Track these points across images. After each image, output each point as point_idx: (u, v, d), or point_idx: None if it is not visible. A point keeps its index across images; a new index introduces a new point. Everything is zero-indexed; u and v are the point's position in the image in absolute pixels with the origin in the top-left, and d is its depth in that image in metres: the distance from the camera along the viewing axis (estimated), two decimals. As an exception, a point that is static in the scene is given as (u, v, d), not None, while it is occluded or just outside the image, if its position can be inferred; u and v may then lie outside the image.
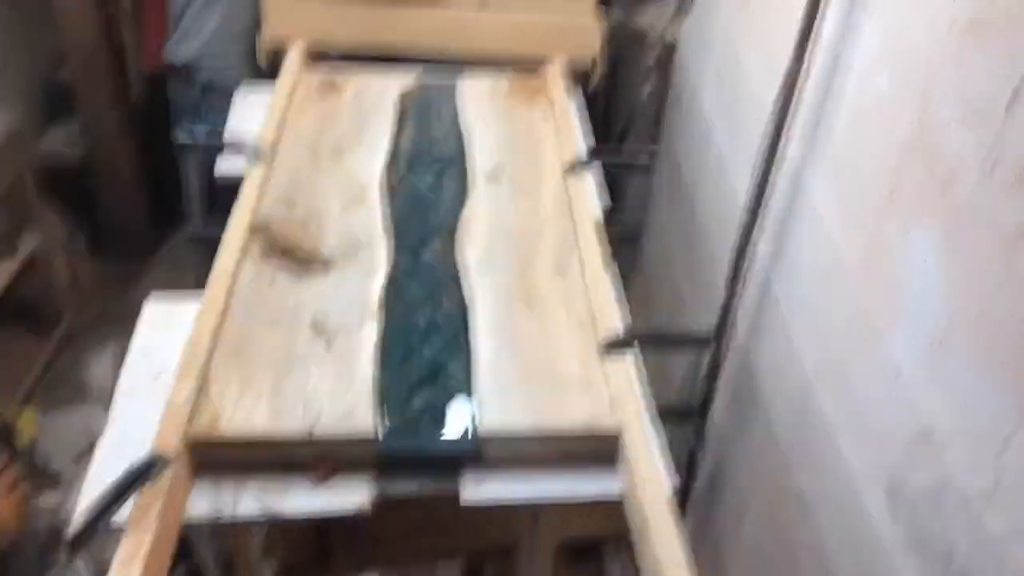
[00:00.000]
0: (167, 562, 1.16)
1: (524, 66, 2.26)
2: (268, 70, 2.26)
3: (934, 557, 1.04)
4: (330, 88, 2.14)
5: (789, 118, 1.43)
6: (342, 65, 2.24)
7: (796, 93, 1.40)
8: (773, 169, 1.48)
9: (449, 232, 1.72)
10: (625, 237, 2.18)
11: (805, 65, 1.38)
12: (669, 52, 2.50)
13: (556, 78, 2.19)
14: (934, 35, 1.09)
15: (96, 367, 3.14)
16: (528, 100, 2.16)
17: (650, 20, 2.53)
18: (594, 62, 2.18)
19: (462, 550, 2.05)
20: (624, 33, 2.58)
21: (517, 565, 1.88)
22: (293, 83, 2.11)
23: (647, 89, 2.58)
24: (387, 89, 2.16)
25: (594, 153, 1.99)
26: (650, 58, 2.53)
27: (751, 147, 1.55)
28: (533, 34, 2.24)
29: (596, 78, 2.21)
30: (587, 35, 2.25)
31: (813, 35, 1.36)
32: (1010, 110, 0.93)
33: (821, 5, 1.32)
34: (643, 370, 1.45)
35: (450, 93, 2.18)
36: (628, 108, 2.70)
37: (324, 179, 1.84)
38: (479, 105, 2.13)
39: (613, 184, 2.83)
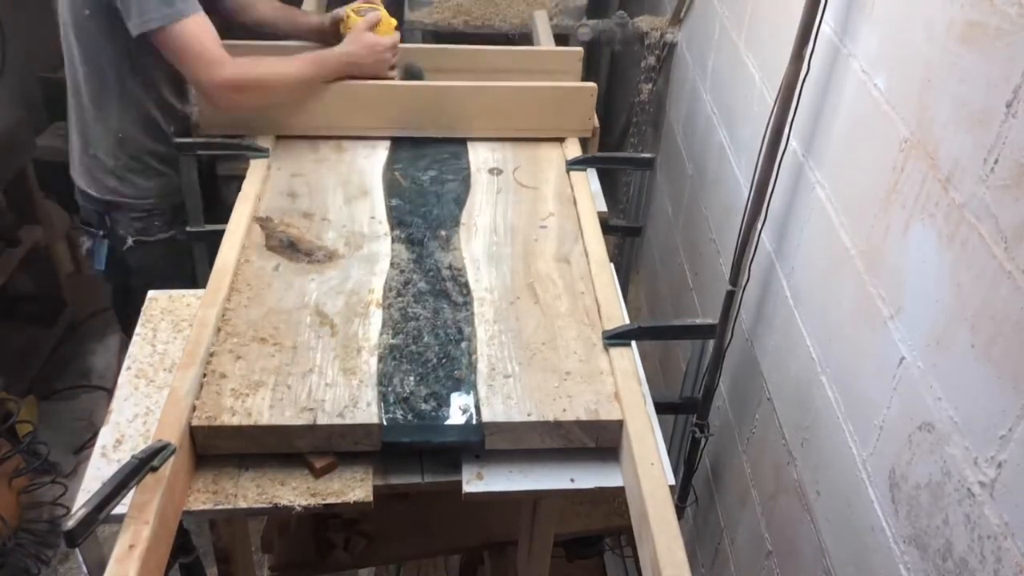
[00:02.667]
0: (166, 554, 1.16)
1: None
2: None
3: (934, 550, 1.05)
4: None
5: (789, 116, 1.44)
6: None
7: (796, 92, 1.41)
8: (775, 165, 1.49)
9: (452, 223, 1.72)
10: (628, 230, 2.17)
11: (805, 65, 1.39)
12: (670, 51, 2.51)
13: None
14: (932, 36, 1.10)
15: (98, 358, 3.14)
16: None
17: (650, 20, 2.54)
18: (593, 131, 2.03)
19: (460, 546, 2.05)
20: (624, 33, 2.58)
21: (515, 560, 1.88)
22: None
23: (648, 88, 2.58)
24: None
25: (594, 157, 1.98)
26: (651, 57, 2.54)
27: (753, 143, 1.55)
28: (526, 117, 2.00)
29: (595, 140, 2.07)
30: (584, 108, 2.00)
31: (812, 35, 1.36)
32: (1010, 109, 0.93)
33: (820, 6, 1.33)
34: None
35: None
36: (628, 107, 2.71)
37: (327, 172, 1.85)
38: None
39: (616, 178, 2.85)
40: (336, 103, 1.91)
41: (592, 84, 1.98)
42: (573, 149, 1.97)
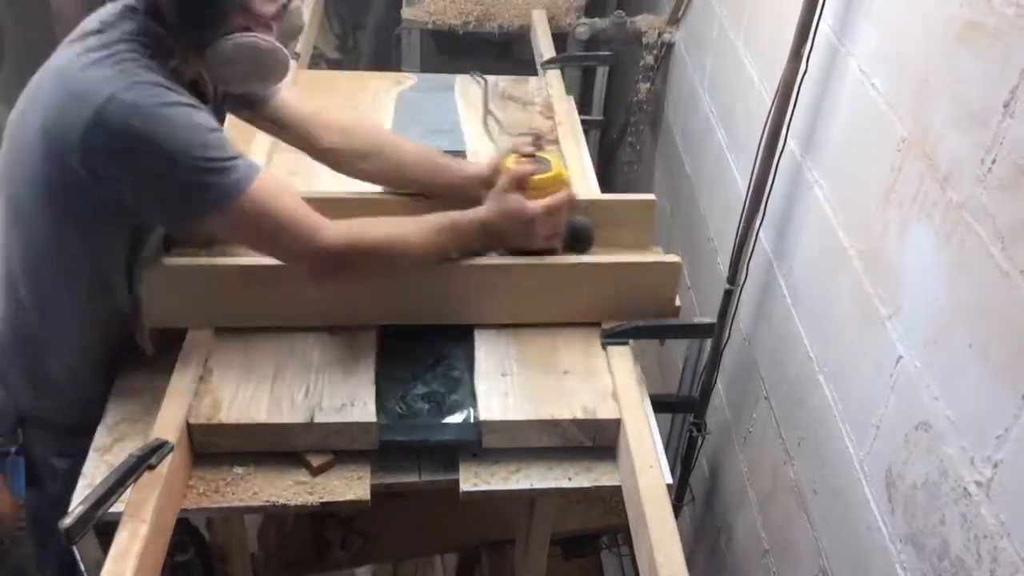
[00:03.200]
0: (163, 552, 1.16)
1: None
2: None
3: (930, 549, 1.05)
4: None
5: (788, 116, 1.44)
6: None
7: (794, 92, 1.41)
8: (773, 164, 1.49)
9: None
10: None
11: (803, 64, 1.39)
12: (668, 51, 2.51)
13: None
14: (930, 36, 1.10)
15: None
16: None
17: (649, 19, 2.54)
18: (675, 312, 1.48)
19: (457, 544, 2.05)
20: (623, 32, 2.59)
21: (513, 559, 1.88)
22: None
23: (646, 87, 2.58)
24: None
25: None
26: (649, 57, 2.54)
27: (751, 143, 1.56)
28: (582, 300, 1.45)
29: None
30: (664, 286, 1.45)
31: (811, 35, 1.36)
32: (1008, 110, 0.93)
33: (819, 5, 1.33)
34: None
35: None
36: (627, 106, 2.71)
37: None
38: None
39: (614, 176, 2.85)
40: (292, 284, 1.36)
41: (677, 259, 1.43)
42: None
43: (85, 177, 1.17)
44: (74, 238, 1.25)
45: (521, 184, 1.38)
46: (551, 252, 1.42)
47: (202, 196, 1.18)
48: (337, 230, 1.26)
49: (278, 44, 1.23)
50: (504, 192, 1.37)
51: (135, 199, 1.20)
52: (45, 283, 1.28)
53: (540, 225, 1.38)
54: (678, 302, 1.46)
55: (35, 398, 1.37)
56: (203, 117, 1.19)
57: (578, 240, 1.46)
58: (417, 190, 1.51)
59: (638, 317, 1.44)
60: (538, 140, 1.50)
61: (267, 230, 1.23)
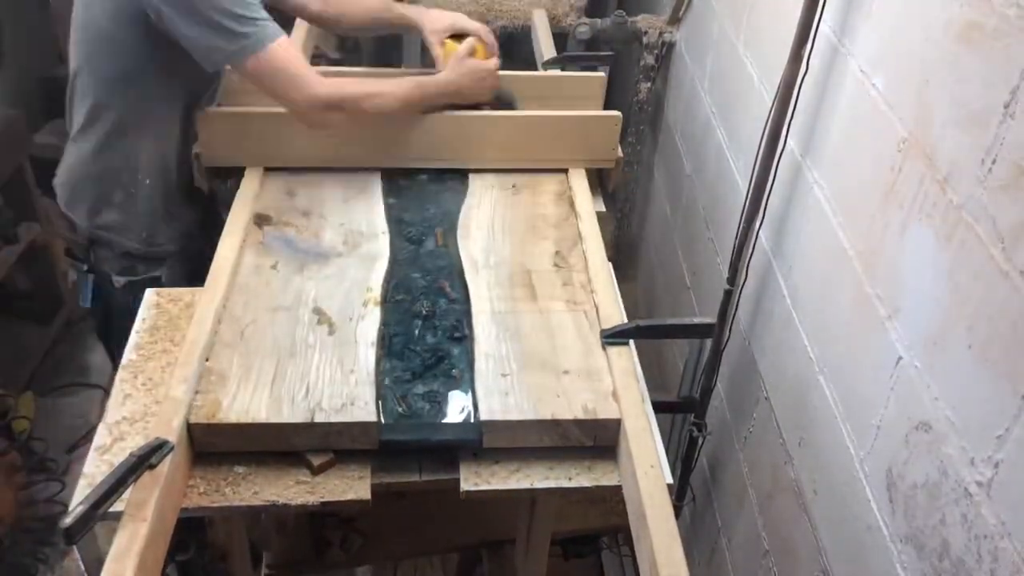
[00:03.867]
0: (164, 552, 1.16)
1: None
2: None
3: (930, 550, 1.05)
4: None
5: (788, 116, 1.44)
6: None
7: (794, 92, 1.41)
8: (773, 164, 1.49)
9: (451, 221, 1.72)
10: (627, 228, 2.15)
11: (803, 64, 1.39)
12: (668, 51, 2.51)
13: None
14: (931, 36, 1.10)
15: (95, 355, 3.14)
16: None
17: (649, 19, 2.54)
18: (617, 162, 1.90)
19: (457, 544, 2.05)
20: (623, 32, 2.58)
21: (513, 559, 1.88)
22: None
23: (646, 87, 2.58)
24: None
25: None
26: (649, 57, 2.54)
27: (751, 143, 1.56)
28: (544, 147, 1.87)
29: (617, 171, 1.92)
30: (608, 137, 1.87)
31: (811, 35, 1.36)
32: (1008, 110, 0.93)
33: (819, 5, 1.33)
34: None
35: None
36: (627, 106, 2.71)
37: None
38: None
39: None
40: (335, 133, 1.78)
41: (617, 113, 1.87)
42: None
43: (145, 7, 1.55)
44: (158, 59, 1.64)
45: (472, 52, 1.82)
46: (489, 105, 1.86)
47: (227, 46, 1.55)
48: (332, 84, 1.64)
49: None
50: (464, 58, 1.80)
51: (178, 34, 1.56)
52: (131, 102, 1.70)
53: (492, 79, 1.83)
54: (619, 153, 1.89)
55: (103, 223, 1.78)
56: None
57: (505, 101, 1.92)
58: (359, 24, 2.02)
59: (590, 164, 1.89)
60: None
61: (281, 80, 1.60)
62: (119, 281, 1.82)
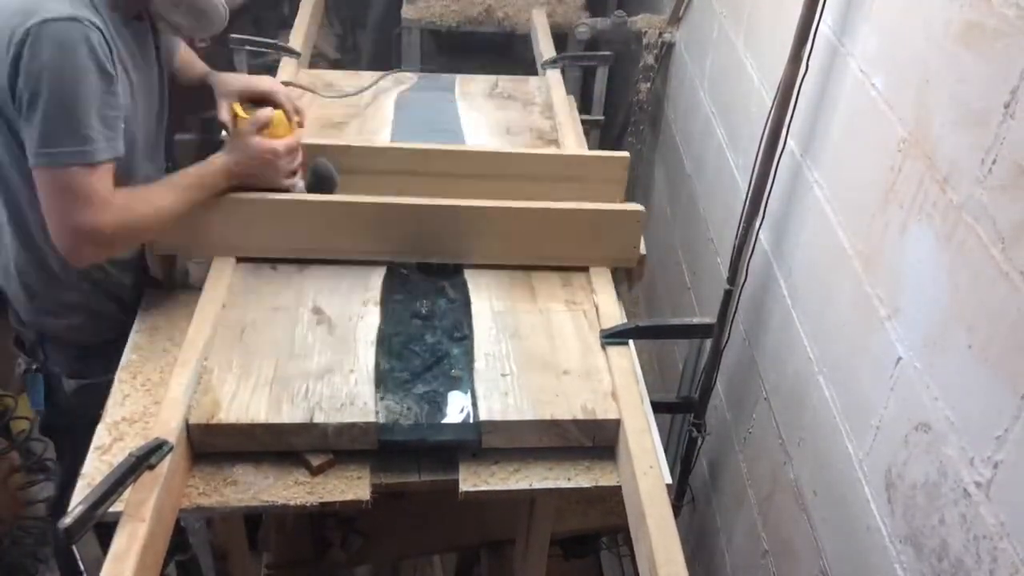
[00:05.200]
0: (163, 553, 1.16)
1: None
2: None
3: (929, 550, 1.05)
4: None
5: (788, 116, 1.44)
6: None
7: (794, 92, 1.41)
8: (773, 164, 1.49)
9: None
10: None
11: (803, 65, 1.39)
12: (668, 51, 2.51)
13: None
14: (931, 36, 1.10)
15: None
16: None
17: (649, 19, 2.54)
18: (640, 260, 1.62)
19: (457, 544, 2.05)
20: (623, 32, 2.58)
21: (512, 559, 1.88)
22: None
23: (646, 87, 2.58)
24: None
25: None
26: (649, 57, 2.54)
27: (751, 143, 1.56)
28: (553, 244, 1.60)
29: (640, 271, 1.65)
30: (629, 234, 1.59)
31: (811, 35, 1.36)
32: (1008, 110, 0.93)
33: (819, 5, 1.33)
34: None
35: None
36: (627, 106, 2.71)
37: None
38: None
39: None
40: (304, 221, 1.54)
41: (640, 207, 1.58)
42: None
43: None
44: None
45: (261, 129, 1.51)
46: (290, 189, 1.56)
47: (51, 141, 1.26)
48: (118, 210, 1.32)
49: (225, 9, 1.41)
50: (247, 136, 1.50)
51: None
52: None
53: (284, 162, 1.53)
54: (643, 250, 1.60)
55: (53, 319, 1.52)
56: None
57: (321, 182, 1.60)
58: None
59: (604, 263, 1.61)
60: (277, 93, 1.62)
61: (69, 201, 1.30)
62: (70, 384, 1.56)
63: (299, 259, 1.57)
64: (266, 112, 1.53)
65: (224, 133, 1.60)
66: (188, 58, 1.71)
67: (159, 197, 1.40)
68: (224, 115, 1.57)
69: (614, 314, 1.48)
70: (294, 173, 1.57)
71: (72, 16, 1.24)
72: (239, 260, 1.56)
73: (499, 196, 1.58)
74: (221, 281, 1.50)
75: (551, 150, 1.88)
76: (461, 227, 1.56)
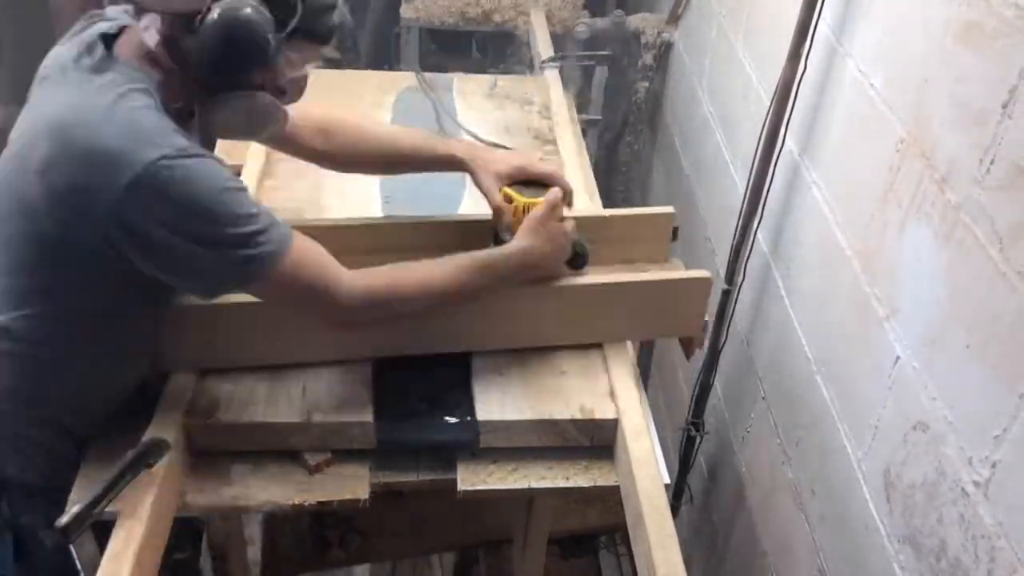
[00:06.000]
0: (160, 552, 1.16)
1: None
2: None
3: (928, 549, 1.05)
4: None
5: (786, 116, 1.44)
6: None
7: (793, 92, 1.41)
8: (771, 164, 1.49)
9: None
10: None
11: (802, 64, 1.39)
12: (667, 51, 2.51)
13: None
14: (929, 36, 1.10)
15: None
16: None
17: (648, 19, 2.54)
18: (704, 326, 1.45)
19: (455, 544, 2.05)
20: (622, 32, 2.58)
21: (510, 558, 1.88)
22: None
23: (645, 86, 2.58)
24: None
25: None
26: (648, 56, 2.54)
27: (749, 143, 1.56)
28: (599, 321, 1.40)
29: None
30: (694, 306, 1.41)
31: (809, 35, 1.36)
32: (1006, 110, 0.93)
33: (817, 5, 1.33)
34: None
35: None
36: (626, 106, 2.71)
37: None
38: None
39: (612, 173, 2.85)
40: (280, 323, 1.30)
41: (707, 274, 1.38)
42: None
43: (105, 245, 1.08)
44: (87, 302, 1.16)
45: (555, 210, 1.33)
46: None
47: (237, 269, 1.12)
48: (353, 287, 1.20)
49: (282, 107, 1.21)
50: (545, 221, 1.31)
51: (161, 269, 1.12)
52: (55, 338, 1.17)
53: (568, 242, 1.35)
54: (707, 317, 1.43)
55: (19, 461, 1.21)
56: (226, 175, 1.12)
57: (580, 257, 1.40)
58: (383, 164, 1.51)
59: (667, 337, 1.43)
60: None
61: (295, 297, 1.20)
62: (48, 536, 1.21)
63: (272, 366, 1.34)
64: (556, 194, 1.34)
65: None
66: (413, 139, 1.48)
67: (419, 270, 1.25)
68: (495, 199, 1.37)
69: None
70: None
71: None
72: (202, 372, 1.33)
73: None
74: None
75: (589, 211, 1.64)
76: (480, 311, 1.34)
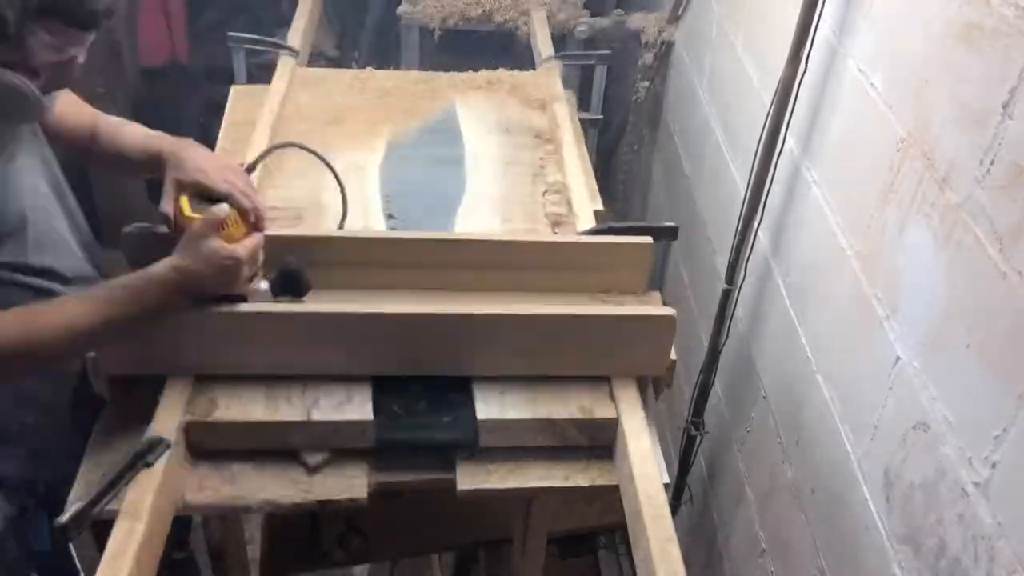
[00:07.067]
0: (160, 551, 1.16)
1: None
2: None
3: (927, 549, 1.05)
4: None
5: (786, 116, 1.44)
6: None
7: (793, 92, 1.41)
8: (771, 164, 1.49)
9: (449, 214, 1.70)
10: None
11: (802, 64, 1.39)
12: (667, 50, 2.51)
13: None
14: (930, 36, 1.10)
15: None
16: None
17: (648, 19, 2.54)
18: (670, 366, 1.37)
19: (454, 543, 2.05)
20: (622, 31, 2.58)
21: (509, 558, 1.88)
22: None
23: (645, 86, 2.58)
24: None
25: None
26: (648, 56, 2.54)
27: (750, 143, 1.56)
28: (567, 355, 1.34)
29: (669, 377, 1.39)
30: (660, 342, 1.33)
31: (810, 35, 1.36)
32: (1007, 111, 0.93)
33: (818, 5, 1.33)
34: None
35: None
36: (626, 105, 2.71)
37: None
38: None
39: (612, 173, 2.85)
40: (276, 336, 1.29)
41: (672, 311, 1.31)
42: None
43: None
44: None
45: (220, 226, 1.23)
46: (247, 297, 1.28)
47: None
48: None
49: (34, 89, 1.11)
50: (201, 239, 1.20)
51: None
52: None
53: (247, 268, 1.25)
54: (673, 356, 1.35)
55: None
56: None
57: (294, 286, 1.32)
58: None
59: (630, 374, 1.35)
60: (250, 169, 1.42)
61: None
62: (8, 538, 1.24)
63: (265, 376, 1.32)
64: (222, 210, 1.24)
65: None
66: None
67: (60, 311, 1.15)
68: (167, 207, 1.27)
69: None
70: (254, 278, 1.29)
71: None
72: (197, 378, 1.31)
73: (503, 288, 1.38)
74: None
75: (565, 237, 1.55)
76: (462, 338, 1.31)
